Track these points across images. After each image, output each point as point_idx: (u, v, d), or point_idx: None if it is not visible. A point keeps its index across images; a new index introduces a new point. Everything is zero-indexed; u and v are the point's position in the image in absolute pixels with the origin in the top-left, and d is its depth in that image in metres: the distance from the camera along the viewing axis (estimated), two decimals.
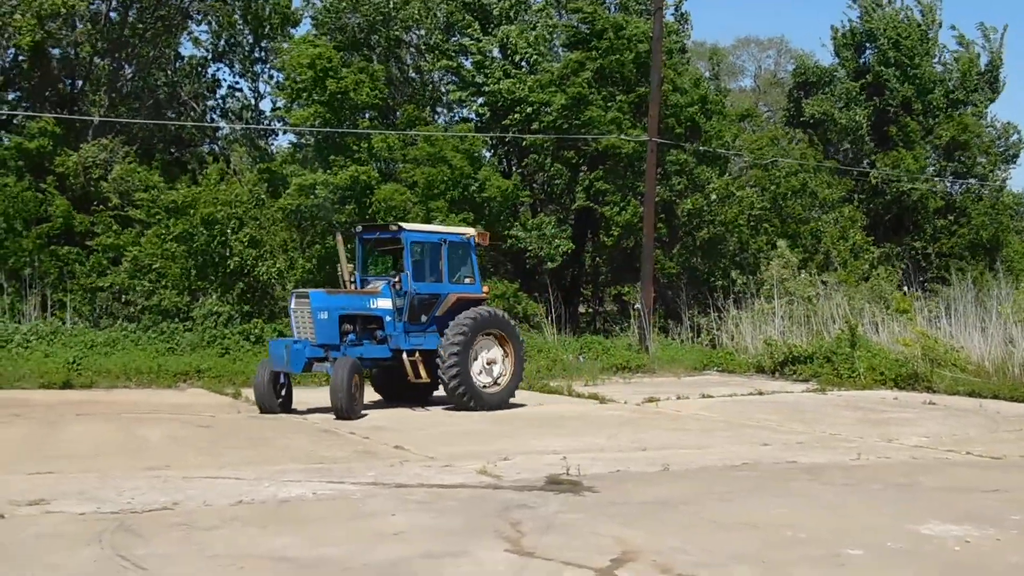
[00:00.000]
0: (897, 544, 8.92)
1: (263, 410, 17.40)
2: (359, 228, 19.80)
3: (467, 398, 17.92)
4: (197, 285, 25.98)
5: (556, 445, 13.94)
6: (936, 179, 37.92)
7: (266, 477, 11.32)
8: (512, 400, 18.98)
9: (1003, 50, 39.64)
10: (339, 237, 18.86)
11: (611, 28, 31.05)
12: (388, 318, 18.33)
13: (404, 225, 19.53)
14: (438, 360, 17.82)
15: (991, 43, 39.67)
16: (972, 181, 38.49)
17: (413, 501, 10.34)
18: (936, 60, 39.22)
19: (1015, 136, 39.93)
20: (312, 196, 27.33)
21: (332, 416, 16.77)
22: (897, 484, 11.86)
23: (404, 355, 18.04)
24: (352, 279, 19.18)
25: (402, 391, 19.14)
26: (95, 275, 26.23)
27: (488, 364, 18.58)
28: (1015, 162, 40.20)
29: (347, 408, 16.67)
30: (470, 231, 20.30)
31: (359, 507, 10.01)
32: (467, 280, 19.42)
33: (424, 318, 18.54)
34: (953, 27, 43.91)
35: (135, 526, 8.92)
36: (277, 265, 26.26)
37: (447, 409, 18.40)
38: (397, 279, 18.41)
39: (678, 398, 20.42)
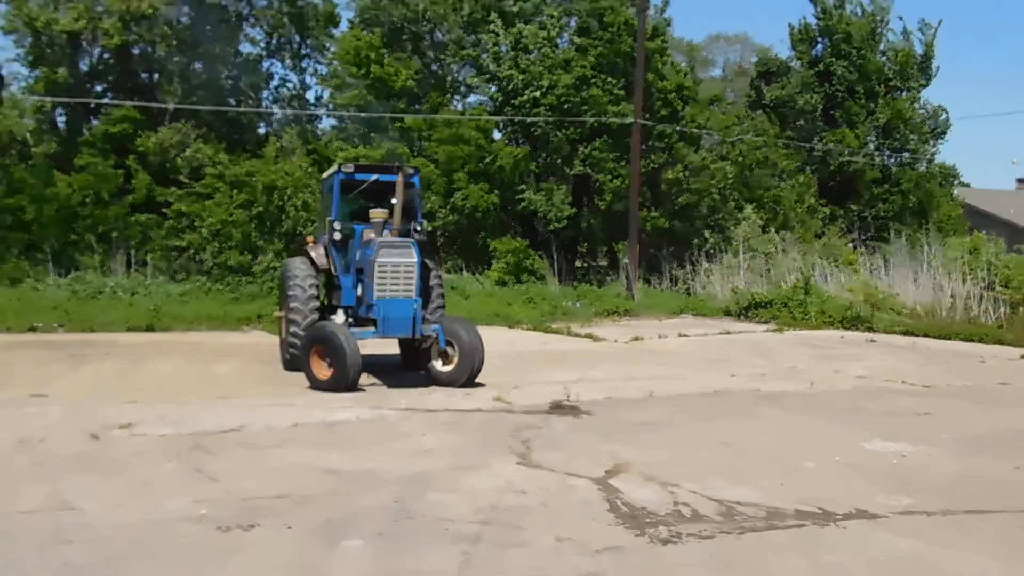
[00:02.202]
0: (845, 459, 8.95)
1: (351, 387, 12.22)
2: (349, 168, 14.25)
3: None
4: (257, 245, 26.08)
5: (558, 377, 13.92)
6: (875, 153, 38.02)
7: (316, 405, 11.33)
8: None
9: (936, 43, 39.41)
10: (400, 177, 13.62)
11: (616, 24, 30.71)
12: None
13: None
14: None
15: (927, 36, 39.40)
16: (906, 155, 38.46)
17: (440, 423, 10.38)
18: (881, 51, 39.00)
19: (943, 116, 39.80)
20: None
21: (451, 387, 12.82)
22: (844, 409, 11.89)
23: None
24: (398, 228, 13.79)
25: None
26: (172, 237, 26.42)
27: None
28: (943, 138, 40.07)
29: (478, 372, 13.04)
30: None
31: (395, 428, 10.05)
32: None
33: None
34: (900, 18, 44.07)
35: (208, 445, 8.96)
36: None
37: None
38: (419, 228, 14.23)
39: (660, 337, 20.37)
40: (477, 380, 13.08)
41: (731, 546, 6.28)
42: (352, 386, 12.19)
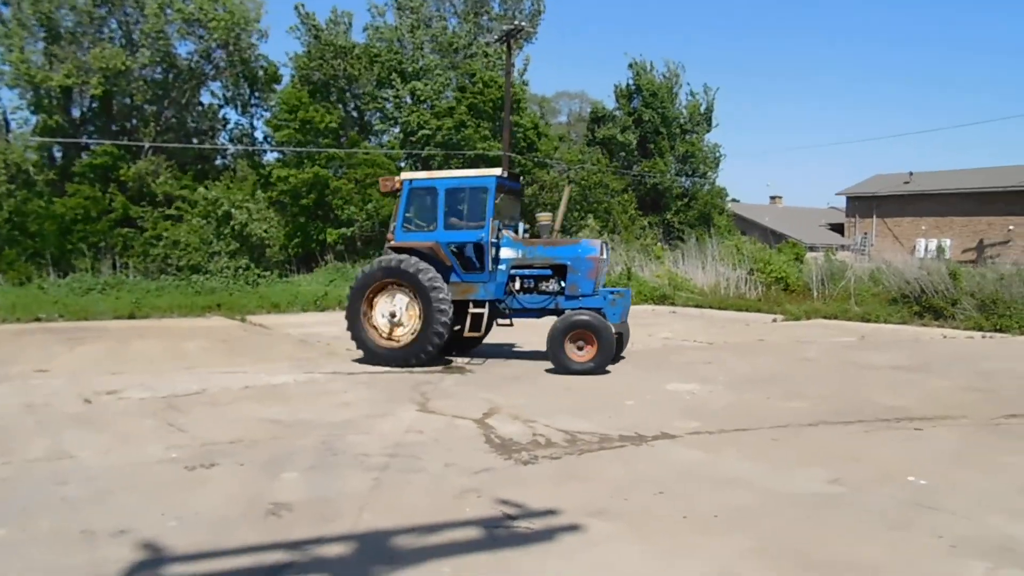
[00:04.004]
0: (654, 397, 9.19)
1: (605, 369, 10.72)
2: (505, 174, 11.39)
3: None
4: (215, 249, 25.54)
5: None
6: (676, 177, 39.26)
7: (263, 371, 11.01)
8: None
9: (715, 101, 40.99)
10: (568, 188, 12.35)
11: (482, 81, 31.10)
12: None
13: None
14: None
15: (709, 96, 40.82)
16: (696, 178, 39.80)
17: (358, 382, 10.22)
18: (679, 104, 40.29)
19: (719, 152, 41.41)
20: (287, 183, 27.26)
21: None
22: (654, 361, 12.18)
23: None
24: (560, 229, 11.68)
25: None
26: (146, 246, 25.77)
27: None
28: (719, 167, 41.70)
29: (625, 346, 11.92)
30: None
31: (324, 387, 9.84)
32: None
33: None
34: (689, 83, 45.76)
35: (178, 405, 8.63)
36: (265, 229, 26.09)
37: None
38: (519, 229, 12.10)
39: None
40: None
41: (573, 463, 6.39)
42: (605, 368, 10.63)
